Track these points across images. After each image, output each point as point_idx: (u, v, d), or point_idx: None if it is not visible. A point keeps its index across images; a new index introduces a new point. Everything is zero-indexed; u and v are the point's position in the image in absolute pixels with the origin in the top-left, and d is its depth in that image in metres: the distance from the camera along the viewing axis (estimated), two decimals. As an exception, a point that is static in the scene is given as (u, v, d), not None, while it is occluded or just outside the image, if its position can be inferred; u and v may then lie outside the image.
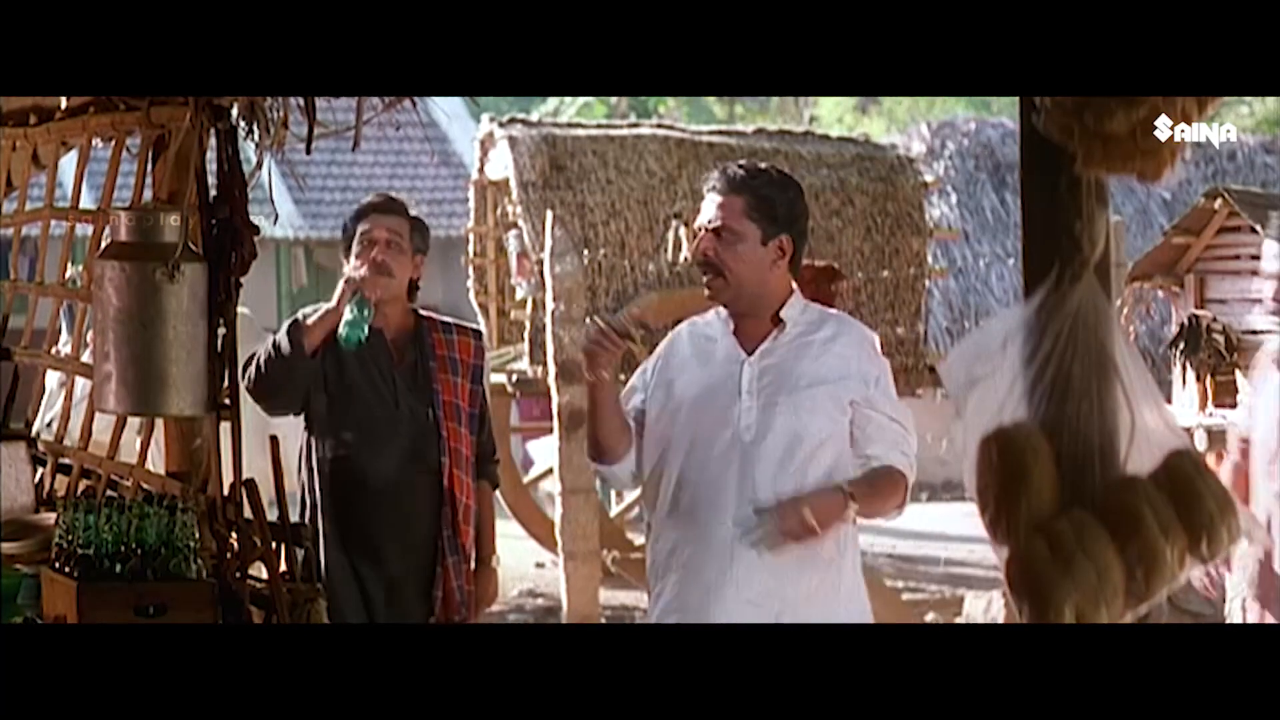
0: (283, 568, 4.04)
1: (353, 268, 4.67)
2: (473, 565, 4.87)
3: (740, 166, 3.94)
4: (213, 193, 4.07)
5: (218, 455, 4.14)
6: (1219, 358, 6.47)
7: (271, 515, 4.16)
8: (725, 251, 3.86)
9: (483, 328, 10.79)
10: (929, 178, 10.97)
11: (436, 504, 4.77)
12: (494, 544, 5.03)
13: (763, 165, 4.01)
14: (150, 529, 3.84)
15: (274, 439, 4.64)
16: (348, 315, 4.59)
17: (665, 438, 3.90)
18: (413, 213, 4.91)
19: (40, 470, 4.79)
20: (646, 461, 3.92)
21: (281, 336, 4.64)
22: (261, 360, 4.63)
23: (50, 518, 4.26)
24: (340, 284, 4.62)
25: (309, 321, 4.64)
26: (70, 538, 3.88)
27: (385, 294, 4.76)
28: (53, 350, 5.10)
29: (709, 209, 3.90)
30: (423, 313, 4.95)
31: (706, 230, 3.88)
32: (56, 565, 3.92)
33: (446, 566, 4.76)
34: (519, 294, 10.05)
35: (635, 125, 10.54)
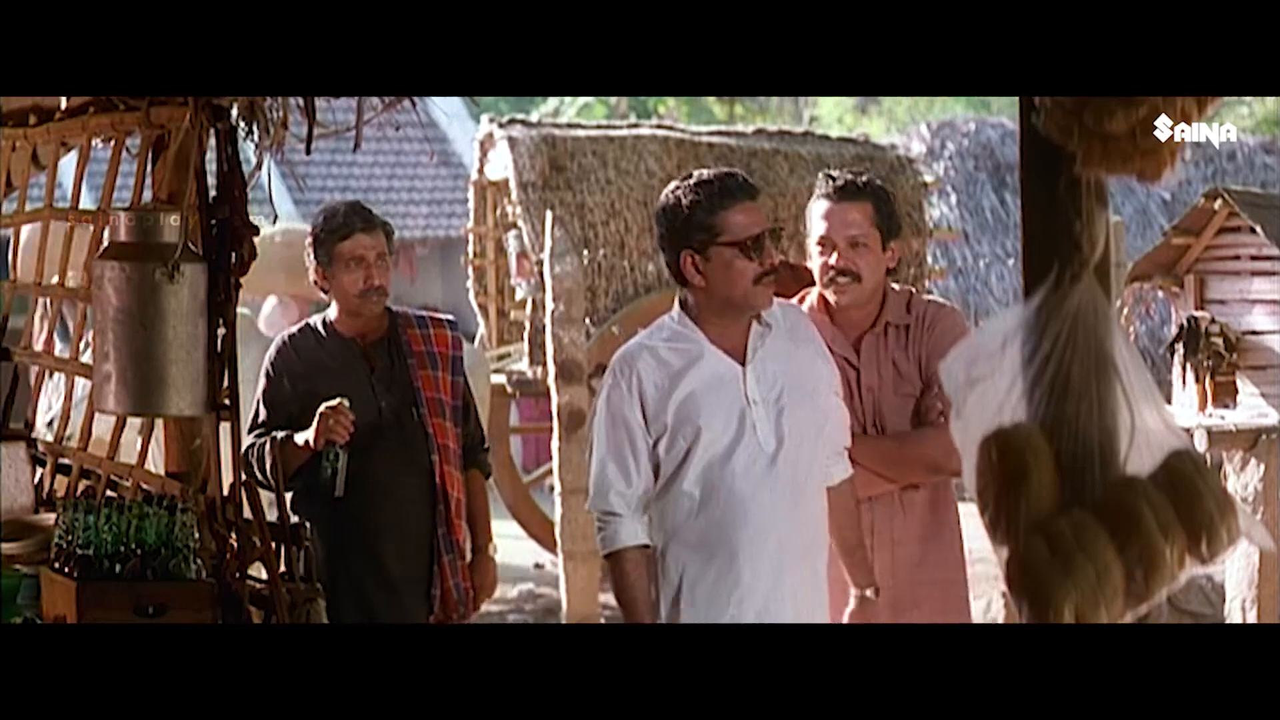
0: (282, 568, 4.03)
1: (320, 427, 4.57)
2: (469, 558, 4.87)
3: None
4: (212, 193, 4.06)
5: (217, 455, 4.14)
6: (1218, 359, 6.46)
7: (271, 516, 4.16)
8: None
9: (483, 328, 10.80)
10: (929, 178, 10.97)
11: (430, 503, 4.76)
12: (490, 532, 5.02)
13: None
14: (150, 529, 3.84)
15: (274, 439, 4.64)
16: (324, 466, 4.59)
17: (674, 451, 3.86)
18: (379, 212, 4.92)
19: (40, 470, 4.79)
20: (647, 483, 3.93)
21: (259, 468, 4.61)
22: (249, 468, 4.63)
23: (50, 518, 4.26)
24: (315, 420, 4.58)
25: (280, 458, 4.61)
26: (70, 538, 3.88)
27: (380, 309, 4.79)
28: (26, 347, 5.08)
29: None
30: (395, 309, 4.93)
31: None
32: (56, 565, 3.92)
33: (443, 564, 4.75)
34: (519, 295, 10.05)
35: (635, 126, 10.55)
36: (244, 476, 4.11)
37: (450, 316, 5.08)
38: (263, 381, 4.85)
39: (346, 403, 4.58)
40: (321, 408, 4.57)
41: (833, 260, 4.21)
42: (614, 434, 3.86)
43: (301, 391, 4.75)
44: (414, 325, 4.88)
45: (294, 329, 4.99)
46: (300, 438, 4.61)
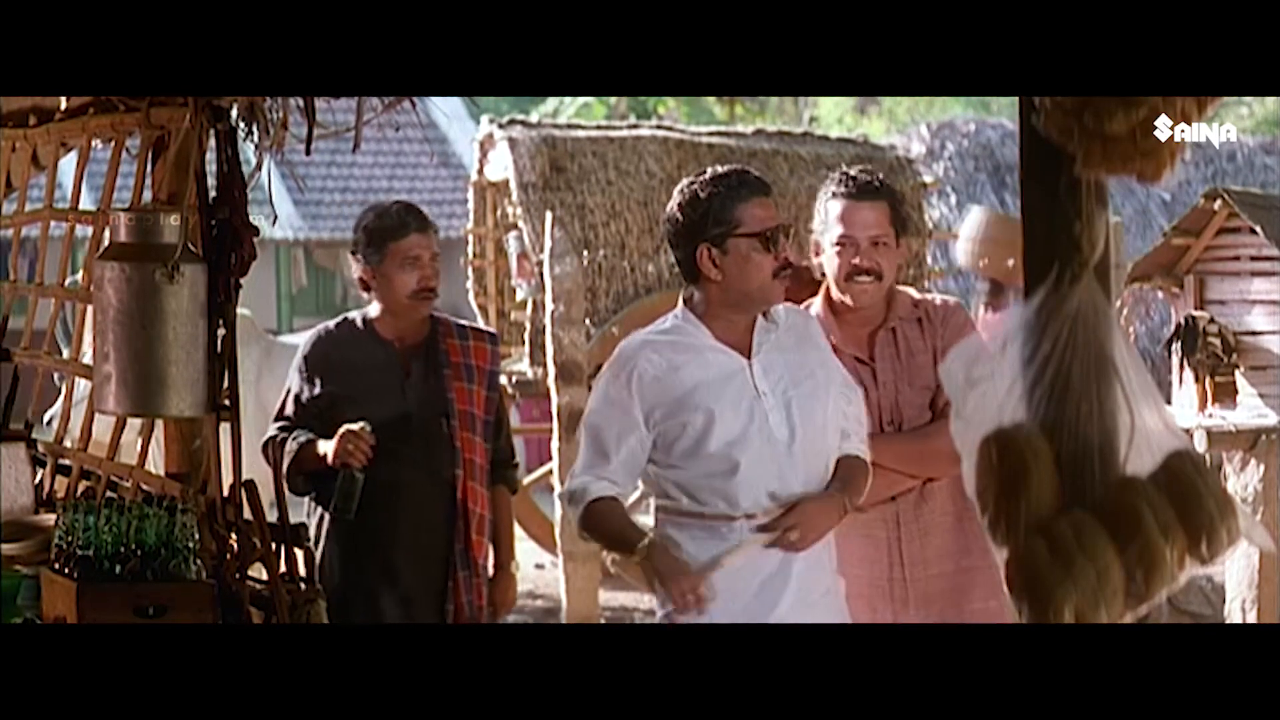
0: (283, 569, 4.03)
1: (333, 454, 4.51)
2: (485, 578, 4.76)
3: None
4: (212, 194, 4.06)
5: (217, 456, 4.13)
6: (1216, 359, 6.47)
7: (271, 516, 4.16)
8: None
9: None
10: (928, 178, 10.97)
11: (450, 517, 4.66)
12: (513, 550, 4.95)
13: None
14: (150, 530, 3.84)
15: (274, 439, 4.64)
16: (339, 488, 4.51)
17: (684, 439, 3.85)
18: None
19: (40, 471, 4.79)
20: (636, 470, 3.91)
21: (273, 463, 4.59)
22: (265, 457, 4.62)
23: (50, 519, 4.26)
24: (335, 439, 4.51)
25: (295, 461, 4.56)
26: (70, 539, 3.88)
27: (427, 312, 4.73)
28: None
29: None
30: (436, 315, 4.82)
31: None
32: (56, 566, 3.92)
33: (458, 581, 4.65)
34: (519, 295, 10.04)
35: (635, 126, 10.54)
36: (244, 476, 4.10)
37: (492, 330, 5.01)
38: (294, 373, 4.76)
39: (369, 427, 4.50)
40: (343, 429, 4.49)
41: (856, 260, 4.20)
42: (605, 424, 3.87)
43: (331, 388, 4.68)
44: (454, 335, 4.78)
45: (332, 323, 4.89)
46: (321, 447, 4.56)
